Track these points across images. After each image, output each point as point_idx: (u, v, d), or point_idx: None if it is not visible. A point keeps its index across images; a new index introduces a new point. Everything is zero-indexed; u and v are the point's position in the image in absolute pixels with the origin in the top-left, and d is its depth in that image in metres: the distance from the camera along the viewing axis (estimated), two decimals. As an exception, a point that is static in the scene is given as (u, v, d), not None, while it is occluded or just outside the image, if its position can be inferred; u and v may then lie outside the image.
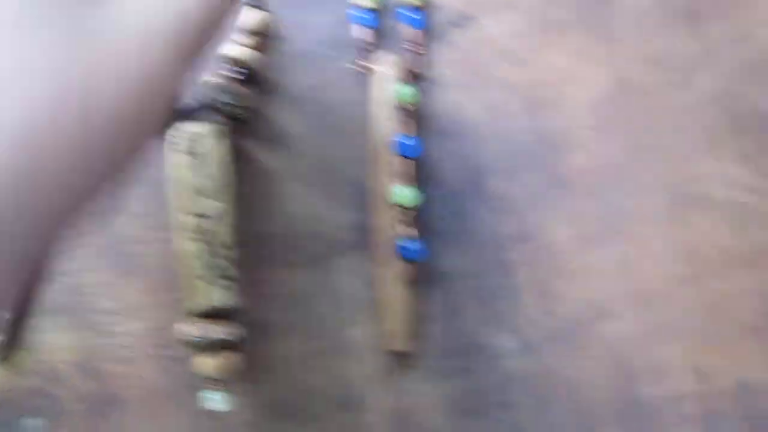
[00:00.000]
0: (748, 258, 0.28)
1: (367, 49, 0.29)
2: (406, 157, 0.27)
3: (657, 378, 0.27)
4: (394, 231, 0.27)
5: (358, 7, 0.29)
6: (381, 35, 0.29)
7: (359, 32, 0.29)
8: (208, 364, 0.25)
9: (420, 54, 0.29)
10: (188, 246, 0.27)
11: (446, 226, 0.28)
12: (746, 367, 0.27)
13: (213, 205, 0.27)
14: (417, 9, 0.29)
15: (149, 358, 0.28)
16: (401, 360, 0.28)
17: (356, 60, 0.29)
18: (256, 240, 0.28)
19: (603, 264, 0.28)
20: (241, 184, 0.28)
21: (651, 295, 0.28)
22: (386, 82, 0.28)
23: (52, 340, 0.29)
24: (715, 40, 0.30)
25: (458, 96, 0.29)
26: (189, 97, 0.28)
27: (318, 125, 0.29)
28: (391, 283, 0.27)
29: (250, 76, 0.28)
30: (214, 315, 0.26)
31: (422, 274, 0.28)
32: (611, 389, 0.27)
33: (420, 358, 0.28)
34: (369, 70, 0.29)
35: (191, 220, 0.27)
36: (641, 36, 0.30)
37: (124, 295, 0.29)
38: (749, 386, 0.27)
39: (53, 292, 0.28)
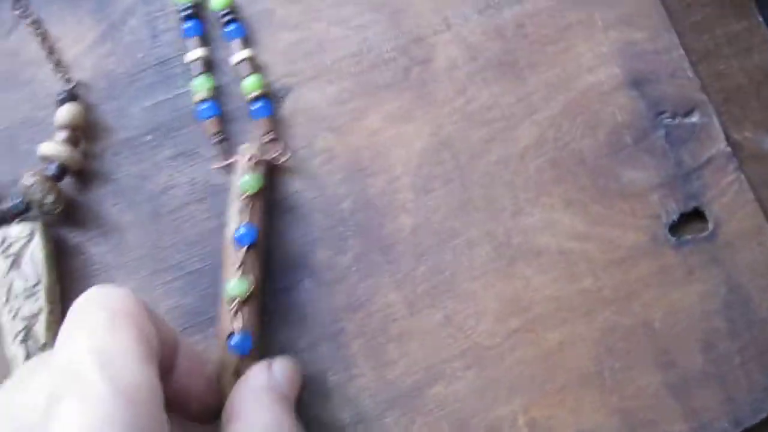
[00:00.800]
0: (579, 305, 0.28)
1: (216, 139, 0.29)
2: (241, 246, 0.26)
3: (494, 437, 0.27)
4: (229, 325, 0.26)
5: (201, 98, 0.29)
6: (228, 122, 0.30)
7: (208, 124, 0.29)
8: None
9: (272, 139, 0.29)
10: (15, 350, 0.27)
11: (279, 304, 0.28)
12: (585, 416, 0.27)
13: (36, 306, 0.27)
14: (260, 97, 0.29)
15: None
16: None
17: (219, 155, 0.29)
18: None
19: (434, 325, 0.28)
20: (68, 281, 0.28)
21: (483, 352, 0.28)
22: (238, 173, 0.28)
23: None
24: (532, 90, 0.30)
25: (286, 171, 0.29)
26: (5, 199, 0.28)
27: (145, 212, 0.29)
28: (225, 377, 0.26)
29: (65, 171, 0.28)
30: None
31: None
32: (449, 453, 0.27)
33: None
34: (229, 163, 0.28)
35: (16, 324, 0.27)
36: (461, 93, 0.30)
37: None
38: (589, 435, 0.27)
39: None
